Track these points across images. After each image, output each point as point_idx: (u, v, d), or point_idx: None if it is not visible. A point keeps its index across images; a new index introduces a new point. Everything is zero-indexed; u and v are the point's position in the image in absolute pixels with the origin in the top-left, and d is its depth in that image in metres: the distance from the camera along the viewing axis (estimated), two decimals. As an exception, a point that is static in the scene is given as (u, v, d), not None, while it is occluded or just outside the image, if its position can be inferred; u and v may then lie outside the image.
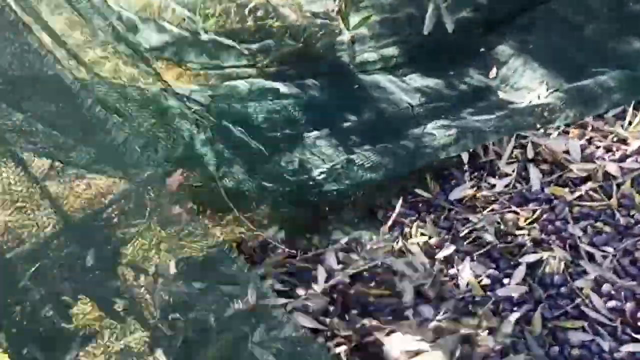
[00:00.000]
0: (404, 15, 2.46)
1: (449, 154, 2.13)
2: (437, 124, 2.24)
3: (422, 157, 2.12)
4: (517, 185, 2.11)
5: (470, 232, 1.97)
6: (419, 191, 2.11)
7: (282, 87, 2.24)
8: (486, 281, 1.85)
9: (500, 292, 1.83)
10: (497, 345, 1.68)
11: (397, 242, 1.95)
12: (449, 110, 2.32)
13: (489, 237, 1.94)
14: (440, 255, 1.91)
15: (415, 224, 2.00)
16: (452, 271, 1.87)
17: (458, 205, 2.07)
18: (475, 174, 2.15)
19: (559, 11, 2.56)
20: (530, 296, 1.82)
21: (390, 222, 1.98)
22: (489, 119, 2.26)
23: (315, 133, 2.17)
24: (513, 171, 2.13)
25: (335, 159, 2.10)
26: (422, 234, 1.98)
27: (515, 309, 1.79)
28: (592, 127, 2.25)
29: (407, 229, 1.99)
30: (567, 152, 2.15)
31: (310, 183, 2.02)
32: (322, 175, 2.03)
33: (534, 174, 2.11)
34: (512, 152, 2.19)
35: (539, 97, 2.33)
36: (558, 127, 2.24)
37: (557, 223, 1.96)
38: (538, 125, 2.24)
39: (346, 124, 2.22)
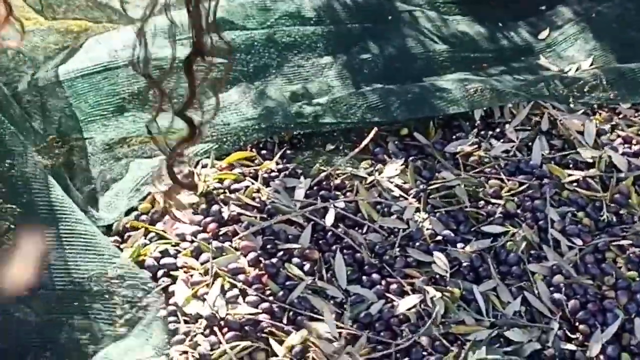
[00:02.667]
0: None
1: (460, 109, 2.04)
2: (460, 75, 2.15)
3: (431, 108, 2.03)
4: (518, 153, 1.99)
5: (448, 188, 1.89)
6: (416, 134, 2.04)
7: (307, 2, 2.18)
8: (439, 239, 1.79)
9: (452, 254, 1.77)
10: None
11: (371, 175, 1.90)
12: (479, 63, 2.21)
13: (461, 197, 1.86)
14: (406, 203, 1.85)
15: (395, 164, 1.94)
16: (411, 223, 1.81)
17: (450, 159, 1.99)
18: (482, 132, 2.06)
19: (639, -16, 2.36)
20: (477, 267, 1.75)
21: (357, 150, 1.93)
22: (518, 81, 2.14)
23: (327, 59, 2.11)
24: (517, 138, 2.02)
25: (338, 93, 2.05)
26: (398, 176, 1.92)
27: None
28: (622, 115, 2.09)
29: (386, 167, 1.93)
30: (581, 132, 2.02)
31: (307, 111, 1.98)
32: (320, 107, 1.99)
33: (538, 146, 1.99)
34: (527, 119, 2.07)
35: (578, 69, 2.19)
36: (588, 105, 2.10)
37: (537, 202, 1.85)
38: (569, 100, 2.11)
39: (364, 55, 2.15)
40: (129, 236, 1.73)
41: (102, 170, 1.82)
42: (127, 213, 1.77)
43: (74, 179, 1.78)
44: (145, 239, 1.72)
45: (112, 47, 2.00)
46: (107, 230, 1.74)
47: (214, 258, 1.64)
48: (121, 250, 1.68)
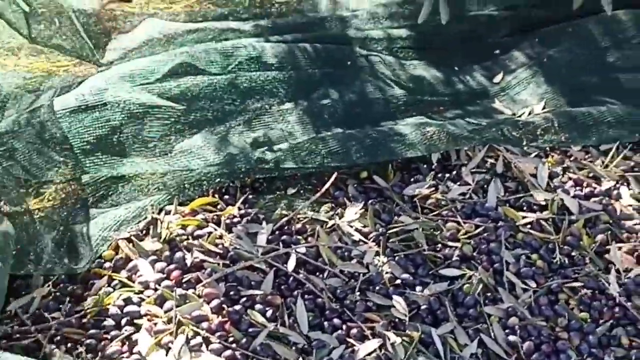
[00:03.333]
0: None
1: (417, 153, 2.10)
2: (417, 119, 2.21)
3: (389, 152, 2.08)
4: (474, 196, 2.05)
5: (407, 231, 1.94)
6: (376, 178, 2.09)
7: (269, 49, 2.23)
8: (398, 283, 1.83)
9: (410, 297, 1.81)
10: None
11: (332, 220, 1.95)
12: (435, 107, 2.28)
13: (420, 240, 1.91)
14: (366, 247, 1.89)
15: (355, 207, 1.98)
16: (371, 267, 1.85)
17: (408, 201, 2.04)
18: (440, 175, 2.11)
19: (588, 31, 2.45)
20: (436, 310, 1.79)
21: (318, 194, 1.97)
22: (474, 125, 2.21)
23: (288, 105, 2.16)
24: (473, 181, 2.08)
25: (299, 138, 2.09)
26: (358, 220, 1.96)
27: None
28: (574, 157, 2.17)
29: (346, 211, 1.98)
30: (534, 175, 2.08)
31: (269, 157, 2.02)
32: (281, 152, 2.03)
33: (493, 189, 2.05)
34: (482, 162, 2.13)
35: (530, 112, 2.26)
36: (541, 148, 2.16)
37: (493, 244, 1.91)
38: (522, 143, 2.18)
39: (324, 101, 2.19)
40: (92, 284, 1.75)
41: (66, 218, 1.84)
42: (93, 261, 1.78)
43: (39, 227, 1.80)
44: (108, 286, 1.74)
45: (79, 91, 2.02)
46: (71, 278, 1.76)
47: (177, 306, 1.66)
48: (85, 298, 1.70)
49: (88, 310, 1.68)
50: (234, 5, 2.47)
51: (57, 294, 1.74)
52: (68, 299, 1.70)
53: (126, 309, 1.68)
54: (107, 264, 1.79)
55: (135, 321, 1.66)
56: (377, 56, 2.33)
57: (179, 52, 2.17)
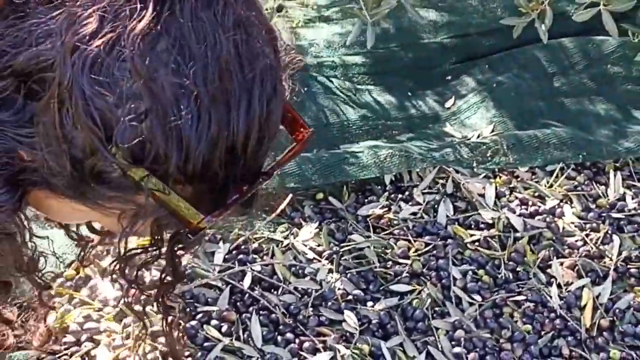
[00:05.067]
0: (378, 28, 2.50)
1: (371, 175, 2.18)
2: (371, 142, 2.30)
3: (344, 173, 2.17)
4: (425, 216, 2.14)
5: (359, 249, 2.02)
6: (331, 199, 2.17)
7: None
8: (350, 299, 1.91)
9: (362, 312, 1.89)
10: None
11: (287, 239, 2.02)
12: (389, 131, 2.37)
13: (371, 258, 2.00)
14: (319, 264, 1.97)
15: (310, 227, 2.06)
16: (324, 284, 1.93)
17: (362, 221, 2.12)
18: (392, 196, 2.20)
19: (536, 57, 2.56)
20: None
21: (274, 214, 2.04)
22: (425, 147, 2.30)
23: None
24: (424, 201, 2.17)
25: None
26: (312, 239, 2.04)
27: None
28: (520, 178, 2.26)
29: (301, 230, 2.06)
30: (482, 195, 2.18)
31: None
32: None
33: (443, 209, 2.14)
34: (433, 182, 2.22)
35: (480, 135, 2.36)
36: (489, 170, 2.26)
37: (441, 261, 2.00)
38: (472, 164, 2.27)
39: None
40: (54, 302, 1.81)
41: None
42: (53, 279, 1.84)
43: None
44: (69, 304, 1.80)
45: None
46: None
47: (134, 322, 1.73)
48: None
49: (53, 327, 1.74)
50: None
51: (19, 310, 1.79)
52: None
53: (86, 326, 1.74)
54: (68, 283, 1.85)
55: (95, 337, 1.73)
56: (333, 82, 2.42)
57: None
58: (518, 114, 2.41)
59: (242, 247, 1.99)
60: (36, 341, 1.61)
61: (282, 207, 2.08)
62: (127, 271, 1.01)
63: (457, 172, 2.23)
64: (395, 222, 2.11)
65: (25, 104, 0.77)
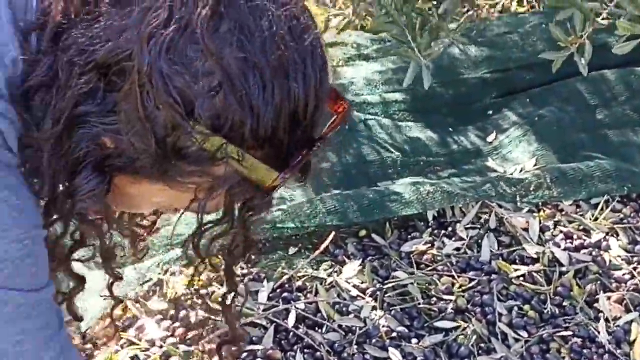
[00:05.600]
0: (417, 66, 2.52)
1: (413, 211, 2.19)
2: (413, 179, 2.30)
3: (386, 210, 2.18)
4: (468, 251, 2.14)
5: (403, 286, 2.02)
6: (374, 236, 2.18)
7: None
8: (394, 336, 1.91)
9: (406, 349, 1.88)
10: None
11: (331, 277, 2.03)
12: (431, 167, 2.37)
13: (415, 294, 1.99)
14: (363, 302, 1.98)
15: (354, 264, 2.07)
16: (368, 321, 1.93)
17: (405, 257, 2.12)
18: (435, 231, 2.20)
19: (578, 90, 2.56)
20: (431, 360, 1.86)
21: (317, 252, 2.06)
22: (468, 183, 2.30)
23: (287, 169, 2.26)
24: (467, 236, 2.16)
25: (298, 199, 2.19)
26: (356, 277, 2.04)
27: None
28: (564, 211, 2.25)
29: (344, 268, 2.07)
30: (526, 229, 2.16)
31: (269, 218, 2.11)
32: (280, 212, 2.13)
33: (487, 244, 2.13)
34: (476, 217, 2.22)
35: (522, 170, 2.35)
36: (532, 204, 2.25)
37: (486, 297, 1.98)
38: (515, 199, 2.26)
39: (323, 165, 2.30)
40: (102, 342, 1.84)
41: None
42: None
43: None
44: (117, 345, 1.83)
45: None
46: (82, 336, 1.85)
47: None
48: (95, 356, 1.79)
49: (98, 368, 1.77)
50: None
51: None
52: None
53: (133, 366, 1.77)
54: (117, 324, 1.88)
55: (142, 377, 1.75)
56: (373, 119, 2.44)
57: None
58: (561, 147, 2.40)
59: (286, 285, 2.01)
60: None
61: (325, 244, 2.09)
62: (200, 246, 1.05)
63: (500, 206, 2.22)
64: (438, 258, 2.11)
65: (106, 94, 0.85)
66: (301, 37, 0.88)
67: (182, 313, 1.88)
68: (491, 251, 2.13)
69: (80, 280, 1.16)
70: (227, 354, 1.35)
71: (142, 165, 0.89)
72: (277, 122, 0.86)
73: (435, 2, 1.96)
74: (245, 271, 2.03)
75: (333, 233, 2.10)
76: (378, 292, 1.99)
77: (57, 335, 0.95)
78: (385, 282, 2.02)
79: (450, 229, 2.20)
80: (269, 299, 1.95)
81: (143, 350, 1.81)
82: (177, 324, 1.86)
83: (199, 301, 1.91)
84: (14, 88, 0.86)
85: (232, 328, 1.30)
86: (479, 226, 2.20)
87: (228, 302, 1.24)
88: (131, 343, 1.83)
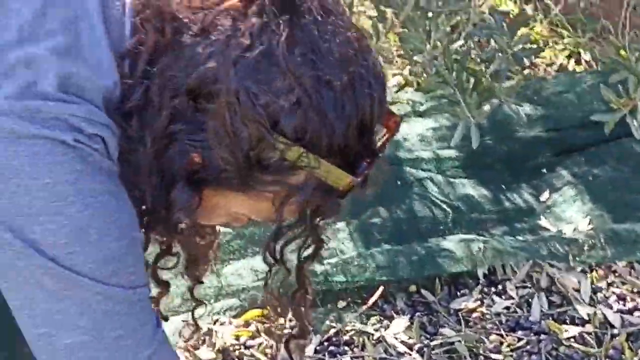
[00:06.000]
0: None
1: (463, 268, 2.19)
2: (464, 236, 2.31)
3: (436, 266, 2.19)
4: (518, 310, 2.12)
5: (451, 343, 2.02)
6: (423, 291, 2.18)
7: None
8: (441, 394, 1.90)
9: (453, 408, 1.88)
10: None
11: (379, 331, 2.04)
12: (482, 224, 2.38)
13: (462, 352, 1.99)
14: (410, 358, 1.98)
15: (402, 320, 2.07)
16: (415, 376, 1.93)
17: (453, 314, 2.12)
18: (485, 289, 2.19)
19: (633, 150, 2.54)
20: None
21: (366, 307, 2.07)
22: (520, 241, 2.30)
23: (340, 224, 2.29)
24: (518, 295, 2.15)
25: (349, 253, 2.22)
26: (404, 332, 2.05)
27: None
28: (618, 273, 2.22)
29: (392, 323, 2.07)
30: (578, 290, 2.15)
31: (319, 270, 2.14)
32: (330, 266, 2.15)
33: (537, 304, 2.12)
34: (527, 276, 2.21)
35: (575, 229, 2.34)
36: (585, 264, 2.23)
37: (535, 357, 1.97)
38: (567, 258, 2.25)
39: (374, 220, 2.32)
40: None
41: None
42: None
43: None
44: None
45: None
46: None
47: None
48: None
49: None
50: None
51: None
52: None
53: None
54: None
55: None
56: (426, 175, 2.46)
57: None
58: (615, 207, 2.38)
59: (334, 338, 2.02)
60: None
61: (373, 299, 2.10)
62: (276, 249, 1.13)
63: (552, 266, 2.21)
64: (487, 316, 2.10)
65: (194, 114, 0.94)
66: (365, 56, 0.98)
67: (230, 363, 1.91)
68: (542, 311, 2.11)
69: (166, 286, 1.24)
70: (294, 347, 1.39)
71: (226, 177, 0.97)
72: (347, 132, 0.95)
73: (487, 63, 1.99)
74: (293, 323, 2.05)
75: (382, 288, 2.12)
76: (425, 349, 1.99)
77: (156, 332, 0.99)
78: (433, 338, 2.02)
79: (500, 287, 2.19)
80: (316, 351, 1.97)
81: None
82: (224, 373, 1.89)
83: (247, 352, 1.94)
84: (112, 107, 0.95)
85: (300, 323, 1.34)
86: (529, 285, 2.19)
87: (297, 299, 1.28)
88: (180, 391, 1.87)
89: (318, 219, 1.08)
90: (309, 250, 1.16)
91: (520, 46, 1.98)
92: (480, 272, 2.22)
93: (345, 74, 0.95)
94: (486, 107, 2.05)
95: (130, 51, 0.96)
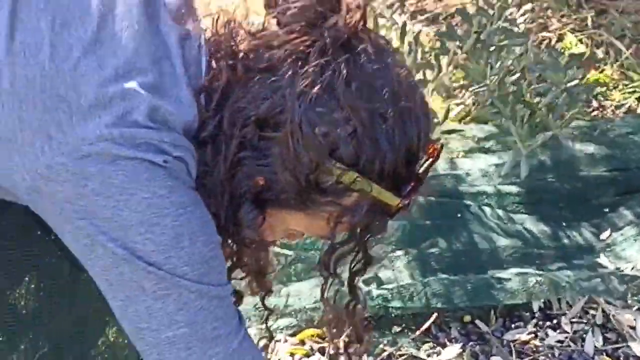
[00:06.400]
0: (535, 160, 2.58)
1: (518, 301, 2.23)
2: (520, 270, 2.34)
3: (491, 297, 2.23)
4: (572, 344, 2.14)
5: (502, 373, 2.05)
6: (478, 322, 2.22)
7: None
8: None
9: None
10: None
11: (430, 357, 2.09)
12: (540, 259, 2.40)
13: (513, 382, 2.02)
14: (459, 385, 2.02)
15: (454, 348, 2.12)
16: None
17: (506, 346, 2.15)
18: (540, 322, 2.22)
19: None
20: None
21: (419, 332, 2.12)
22: (577, 277, 2.32)
23: (398, 252, 2.36)
24: (572, 330, 2.17)
25: (406, 280, 2.28)
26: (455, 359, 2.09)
27: None
28: (676, 313, 2.21)
29: (445, 350, 2.12)
30: (633, 327, 2.15)
31: (375, 295, 2.21)
32: (387, 291, 2.22)
33: (591, 339, 2.14)
34: (582, 312, 2.22)
35: (634, 268, 2.34)
36: (642, 303, 2.24)
37: (584, 390, 1.99)
38: (625, 296, 2.26)
39: (432, 250, 2.38)
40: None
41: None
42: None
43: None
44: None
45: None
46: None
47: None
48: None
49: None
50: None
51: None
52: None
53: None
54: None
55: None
56: (486, 209, 2.50)
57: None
58: (677, 246, 2.38)
59: (385, 362, 2.08)
60: None
61: (427, 324, 2.15)
62: (330, 264, 1.22)
63: (608, 302, 2.22)
64: (540, 348, 2.13)
65: (260, 142, 1.06)
66: (413, 91, 1.09)
67: (284, 379, 1.99)
68: (595, 346, 2.12)
69: (240, 296, 1.34)
70: (353, 352, 1.48)
71: (287, 198, 1.08)
72: (397, 159, 1.06)
73: (542, 97, 2.05)
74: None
75: (436, 314, 2.17)
76: (475, 377, 2.03)
77: (242, 324, 1.13)
78: (480, 365, 2.06)
79: (555, 321, 2.22)
80: (367, 373, 2.03)
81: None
82: (278, 388, 1.97)
83: (301, 369, 2.02)
84: (190, 137, 1.07)
85: (356, 329, 1.43)
86: (585, 321, 2.21)
87: (350, 309, 1.37)
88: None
89: (367, 236, 1.19)
90: (359, 265, 1.27)
91: (574, 82, 2.03)
92: (535, 305, 2.24)
93: (396, 107, 1.05)
94: (537, 139, 2.10)
95: (205, 87, 1.09)
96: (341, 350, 2.05)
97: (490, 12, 2.21)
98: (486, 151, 2.69)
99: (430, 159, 1.15)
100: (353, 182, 1.05)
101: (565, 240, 2.47)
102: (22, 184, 1.02)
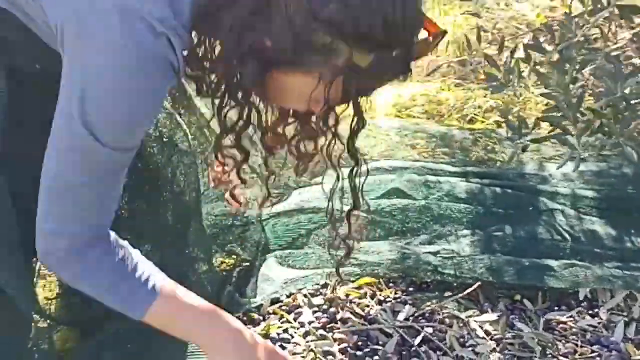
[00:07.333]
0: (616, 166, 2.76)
1: (562, 286, 2.44)
2: (576, 263, 2.53)
3: (539, 279, 2.46)
4: (603, 330, 2.32)
5: (525, 340, 2.27)
6: (525, 301, 2.45)
7: (463, 186, 2.75)
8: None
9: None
10: None
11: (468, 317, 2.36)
12: (598, 258, 2.58)
13: (534, 348, 2.23)
14: (486, 344, 2.27)
15: (493, 315, 2.36)
16: (483, 357, 2.22)
17: (544, 324, 2.37)
18: (583, 310, 2.41)
19: None
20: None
21: (465, 293, 2.39)
22: (626, 274, 2.48)
23: (465, 232, 2.63)
24: (607, 319, 2.34)
25: (463, 253, 2.55)
26: (490, 324, 2.34)
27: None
28: None
29: (483, 315, 2.37)
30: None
31: (434, 262, 2.51)
32: (442, 258, 2.51)
33: (622, 327, 2.30)
34: (624, 305, 2.39)
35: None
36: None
37: (602, 373, 2.16)
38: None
39: (497, 233, 2.63)
40: (269, 317, 2.35)
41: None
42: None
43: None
44: (279, 321, 2.33)
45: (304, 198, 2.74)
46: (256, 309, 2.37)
47: (314, 340, 2.21)
48: (259, 324, 2.30)
49: (258, 332, 2.28)
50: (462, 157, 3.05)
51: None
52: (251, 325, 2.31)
53: (281, 336, 2.25)
54: (284, 307, 2.39)
55: (284, 344, 2.23)
56: (559, 207, 2.72)
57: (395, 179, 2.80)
58: None
59: (427, 314, 2.36)
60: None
61: (471, 289, 2.41)
62: (328, 119, 1.48)
63: (640, 296, 2.37)
64: (574, 329, 2.32)
65: (265, 8, 1.30)
66: None
67: (332, 310, 2.34)
68: (625, 335, 2.29)
69: (246, 154, 1.63)
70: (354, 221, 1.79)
71: (285, 57, 1.32)
72: (371, 23, 1.27)
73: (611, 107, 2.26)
74: (397, 296, 2.43)
75: (479, 282, 2.42)
76: (503, 340, 2.27)
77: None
78: (510, 332, 2.29)
79: (595, 310, 2.40)
80: (406, 319, 2.33)
81: (293, 327, 2.30)
82: (324, 315, 2.32)
83: (349, 305, 2.35)
84: (202, 9, 1.36)
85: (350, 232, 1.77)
86: (625, 313, 2.37)
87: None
88: (287, 321, 2.33)
89: (360, 97, 1.43)
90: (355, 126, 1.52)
91: (628, 90, 2.23)
92: (581, 294, 2.44)
93: None
94: (597, 142, 2.31)
95: None
96: (389, 299, 2.37)
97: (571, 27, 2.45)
98: (571, 158, 2.88)
99: (428, 35, 1.37)
100: (331, 42, 1.28)
101: (628, 244, 2.62)
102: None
